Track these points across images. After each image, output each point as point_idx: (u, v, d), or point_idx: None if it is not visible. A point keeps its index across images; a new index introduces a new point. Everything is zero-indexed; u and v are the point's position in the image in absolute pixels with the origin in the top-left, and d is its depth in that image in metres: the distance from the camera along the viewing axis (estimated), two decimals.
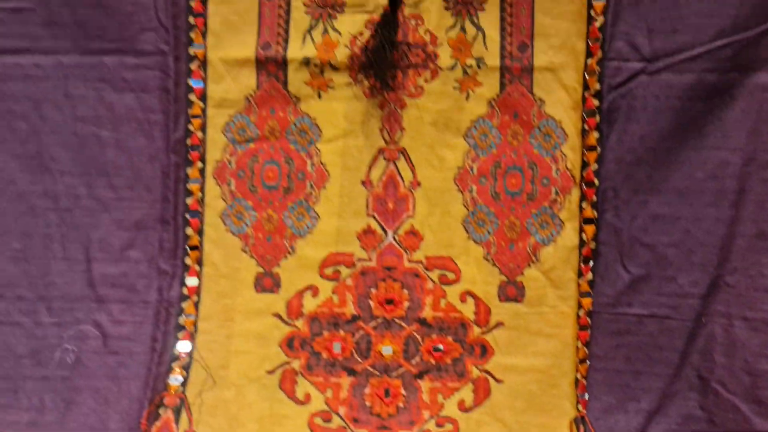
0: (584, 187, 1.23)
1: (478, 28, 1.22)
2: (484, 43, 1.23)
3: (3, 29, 1.20)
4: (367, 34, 1.22)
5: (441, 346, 1.26)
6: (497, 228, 1.25)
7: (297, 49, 1.23)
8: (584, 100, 1.21)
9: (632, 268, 1.22)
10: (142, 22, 1.21)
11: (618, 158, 1.21)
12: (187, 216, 1.26)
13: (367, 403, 1.23)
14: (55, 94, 1.22)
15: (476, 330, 1.26)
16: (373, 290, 1.27)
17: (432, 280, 1.26)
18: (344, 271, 1.27)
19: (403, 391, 1.24)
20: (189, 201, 1.26)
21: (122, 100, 1.22)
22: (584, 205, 1.23)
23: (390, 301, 1.26)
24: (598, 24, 1.19)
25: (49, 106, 1.22)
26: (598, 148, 1.21)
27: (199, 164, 1.26)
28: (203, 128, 1.25)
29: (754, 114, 1.16)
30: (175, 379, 1.22)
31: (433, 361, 1.25)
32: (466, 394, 1.24)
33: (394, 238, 1.27)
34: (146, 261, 1.25)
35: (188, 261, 1.26)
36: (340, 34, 1.23)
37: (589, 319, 1.23)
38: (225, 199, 1.27)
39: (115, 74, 1.22)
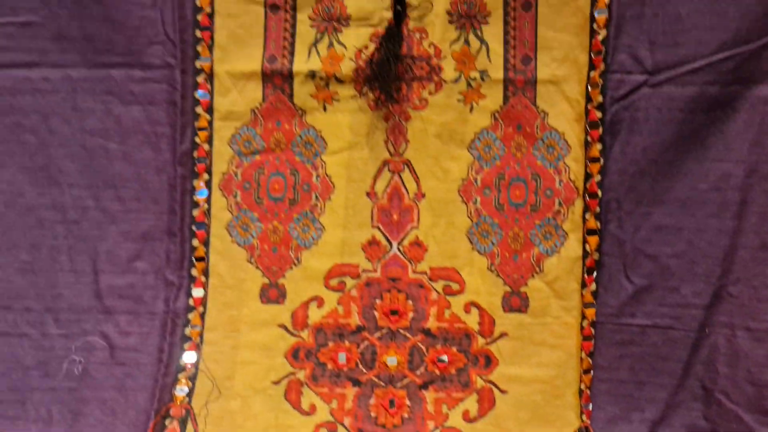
0: (587, 198, 1.23)
1: (482, 41, 1.23)
2: (488, 56, 1.24)
3: (12, 43, 1.21)
4: (371, 47, 1.23)
5: (445, 357, 1.26)
6: (501, 239, 1.26)
7: (302, 63, 1.24)
8: (587, 112, 1.22)
9: (635, 279, 1.22)
10: (149, 36, 1.21)
11: (621, 170, 1.21)
12: (194, 227, 1.27)
13: (372, 414, 1.24)
14: (63, 107, 1.23)
15: (480, 340, 1.26)
16: (378, 301, 1.27)
17: (436, 290, 1.27)
18: (349, 282, 1.28)
19: (407, 402, 1.25)
20: (195, 212, 1.27)
21: (130, 112, 1.23)
22: (587, 216, 1.24)
23: (395, 312, 1.27)
24: (600, 37, 1.19)
25: (57, 119, 1.23)
26: (601, 160, 1.22)
27: (206, 176, 1.27)
28: (210, 140, 1.26)
29: (756, 126, 1.16)
30: (181, 389, 1.23)
31: (437, 372, 1.26)
32: (471, 404, 1.24)
33: (399, 250, 1.27)
34: (153, 272, 1.25)
35: (194, 272, 1.27)
36: (345, 47, 1.24)
37: (592, 330, 1.23)
38: (231, 211, 1.28)
39: (123, 87, 1.23)
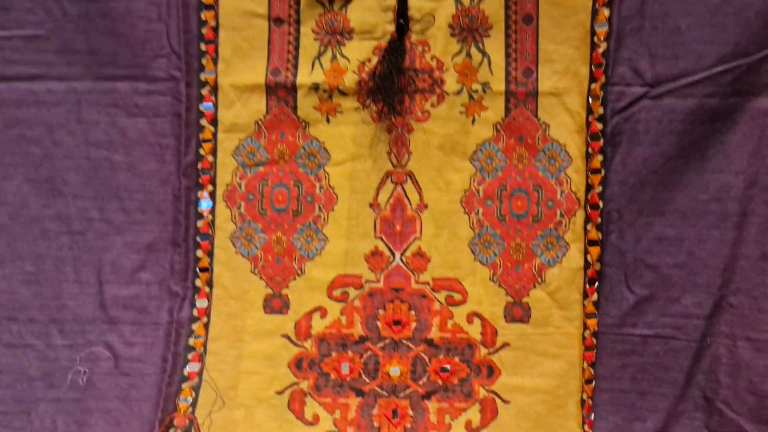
0: (589, 209, 1.24)
1: (484, 54, 1.24)
2: (490, 68, 1.24)
3: (18, 56, 1.22)
4: (374, 60, 1.24)
5: (448, 367, 1.26)
6: (503, 249, 1.27)
7: (306, 75, 1.25)
8: (588, 123, 1.23)
9: (637, 289, 1.23)
10: (154, 49, 1.22)
11: (622, 181, 1.22)
12: (198, 238, 1.27)
13: (375, 424, 1.24)
14: (68, 119, 1.24)
15: (483, 351, 1.27)
16: (381, 311, 1.28)
17: (439, 301, 1.28)
18: (352, 292, 1.28)
19: (410, 412, 1.25)
20: (200, 224, 1.27)
21: (134, 124, 1.24)
22: (589, 227, 1.24)
23: (397, 322, 1.28)
24: (601, 50, 1.20)
25: (62, 131, 1.24)
26: (602, 171, 1.22)
27: (210, 187, 1.28)
28: (214, 152, 1.27)
29: (755, 138, 1.17)
30: (185, 399, 1.23)
31: (440, 382, 1.26)
32: (473, 414, 1.25)
33: (402, 260, 1.28)
34: (157, 283, 1.26)
35: (198, 283, 1.27)
36: (348, 60, 1.25)
37: (594, 340, 1.23)
38: (235, 222, 1.28)
39: (128, 100, 1.24)
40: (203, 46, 1.25)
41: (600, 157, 1.22)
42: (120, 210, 1.25)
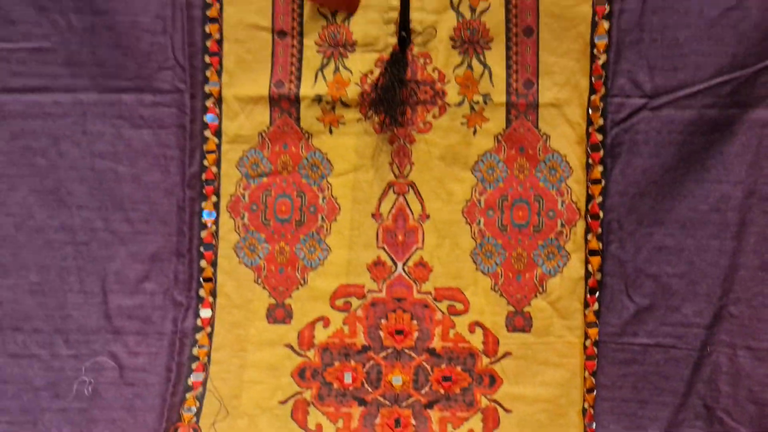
0: (589, 219, 1.25)
1: (485, 66, 1.25)
2: (491, 80, 1.25)
3: (24, 68, 1.23)
4: (377, 72, 1.25)
5: (450, 376, 1.27)
6: (505, 259, 1.27)
7: (309, 87, 1.26)
8: (588, 134, 1.23)
9: (637, 299, 1.23)
10: (159, 62, 1.23)
11: (622, 191, 1.22)
12: (202, 249, 1.28)
13: None
14: (73, 130, 1.24)
15: (485, 360, 1.27)
16: (383, 321, 1.28)
17: (441, 310, 1.28)
18: (355, 302, 1.29)
19: (413, 421, 1.25)
20: (203, 234, 1.28)
21: (139, 136, 1.25)
22: (589, 237, 1.25)
23: (400, 332, 1.28)
24: (600, 62, 1.21)
25: (67, 142, 1.25)
26: (603, 182, 1.23)
27: (214, 198, 1.28)
28: (218, 163, 1.28)
29: (753, 148, 1.18)
30: (189, 409, 1.24)
31: (442, 391, 1.27)
32: (476, 423, 1.25)
33: (404, 270, 1.29)
34: (161, 293, 1.27)
35: (202, 293, 1.28)
36: (351, 72, 1.26)
37: (595, 349, 1.24)
38: (238, 232, 1.29)
39: (133, 111, 1.24)
40: (207, 59, 1.26)
41: (600, 168, 1.23)
42: (124, 220, 1.26)
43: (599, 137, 1.23)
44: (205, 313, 1.28)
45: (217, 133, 1.28)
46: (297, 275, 1.29)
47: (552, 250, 1.26)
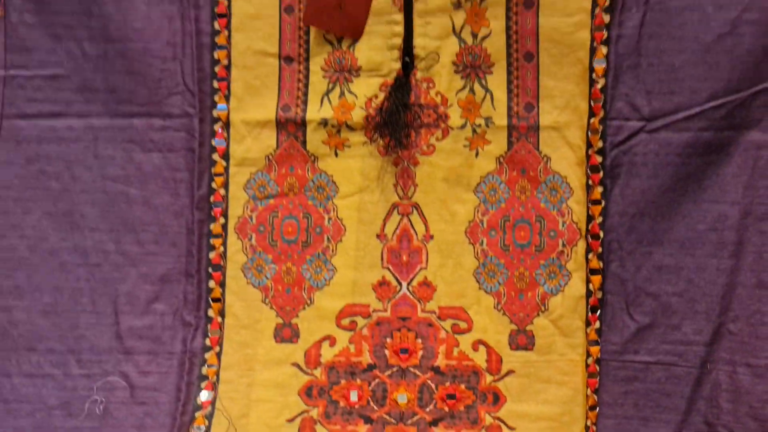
0: (590, 239, 1.26)
1: (487, 90, 1.27)
2: (492, 103, 1.27)
3: (39, 95, 1.26)
4: (381, 96, 1.27)
5: (454, 394, 1.28)
6: (507, 278, 1.29)
7: (315, 111, 1.28)
8: (588, 156, 1.25)
9: (638, 317, 1.24)
10: (169, 87, 1.26)
11: (621, 212, 1.24)
12: (210, 269, 1.30)
13: None
14: (86, 154, 1.27)
15: (488, 378, 1.28)
16: (389, 340, 1.30)
17: (445, 329, 1.30)
18: (360, 321, 1.30)
19: None
20: (212, 255, 1.30)
21: (150, 159, 1.27)
22: (590, 256, 1.26)
23: (404, 350, 1.30)
24: (599, 86, 1.23)
25: (80, 166, 1.27)
26: (603, 202, 1.25)
27: (222, 220, 1.30)
28: (226, 186, 1.30)
29: (749, 169, 1.19)
30: (198, 428, 1.25)
31: (446, 409, 1.28)
32: None
33: (408, 289, 1.30)
34: (171, 313, 1.28)
35: (211, 313, 1.30)
36: (356, 96, 1.28)
37: (597, 367, 1.25)
38: (246, 253, 1.31)
39: (144, 135, 1.27)
40: (216, 84, 1.28)
41: (600, 189, 1.25)
42: (135, 242, 1.28)
43: (599, 159, 1.24)
44: (214, 333, 1.30)
45: (225, 156, 1.30)
46: (303, 295, 1.31)
47: (554, 269, 1.28)
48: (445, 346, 1.29)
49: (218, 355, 1.29)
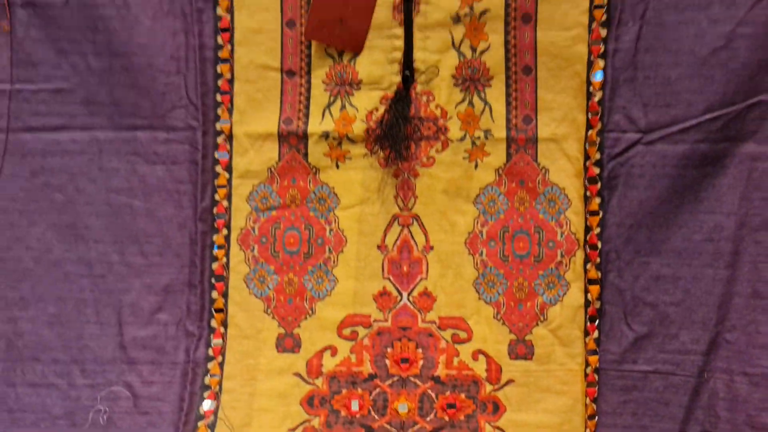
0: (588, 249, 1.27)
1: (485, 102, 1.28)
2: (491, 116, 1.28)
3: (44, 108, 1.27)
4: (381, 109, 1.29)
5: (454, 403, 1.29)
6: (506, 289, 1.30)
7: (317, 124, 1.30)
8: (586, 168, 1.26)
9: (636, 327, 1.25)
10: (173, 101, 1.27)
11: (619, 222, 1.25)
12: (213, 280, 1.31)
13: None
14: (90, 167, 1.29)
15: (488, 387, 1.29)
16: (389, 349, 1.31)
17: (445, 339, 1.31)
18: (361, 331, 1.31)
19: None
20: (215, 266, 1.31)
21: (153, 172, 1.29)
22: (588, 266, 1.27)
23: (405, 360, 1.31)
24: (596, 99, 1.24)
25: (84, 179, 1.29)
26: (600, 213, 1.26)
27: (225, 231, 1.32)
28: (229, 198, 1.31)
29: (744, 181, 1.21)
30: None
31: (447, 418, 1.29)
32: None
33: (409, 300, 1.31)
34: (174, 324, 1.30)
35: (214, 323, 1.31)
36: (356, 109, 1.29)
37: (596, 376, 1.26)
38: (249, 264, 1.32)
39: (148, 148, 1.28)
40: (219, 98, 1.30)
41: (598, 200, 1.26)
42: (139, 253, 1.29)
43: (596, 170, 1.26)
44: (217, 343, 1.31)
45: (228, 168, 1.31)
46: (305, 305, 1.32)
47: (552, 279, 1.29)
48: (445, 355, 1.30)
49: (221, 365, 1.30)
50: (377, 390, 1.30)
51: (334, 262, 1.32)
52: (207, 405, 1.28)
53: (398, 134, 1.26)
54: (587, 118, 1.26)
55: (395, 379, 1.30)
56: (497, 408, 1.29)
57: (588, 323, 1.27)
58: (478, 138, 1.29)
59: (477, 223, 1.30)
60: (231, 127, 1.30)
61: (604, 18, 1.23)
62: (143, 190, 1.29)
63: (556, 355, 1.28)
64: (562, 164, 1.28)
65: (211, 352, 1.30)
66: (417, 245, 1.31)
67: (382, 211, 1.31)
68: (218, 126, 1.30)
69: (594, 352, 1.26)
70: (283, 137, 1.30)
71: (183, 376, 1.28)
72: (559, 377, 1.28)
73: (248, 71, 1.30)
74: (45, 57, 1.27)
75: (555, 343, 1.28)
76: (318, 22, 1.27)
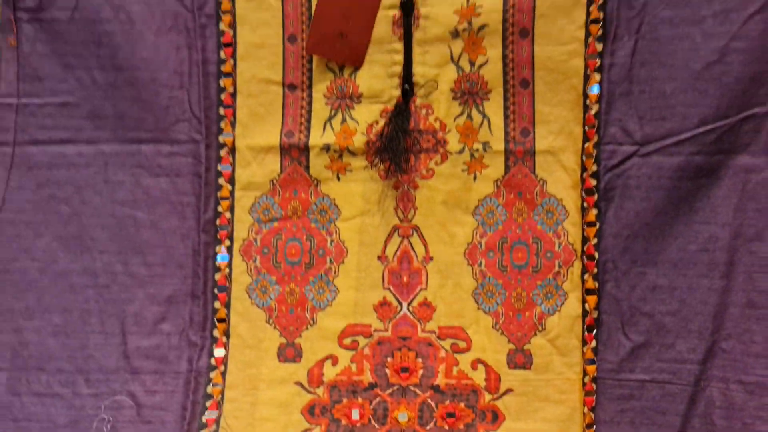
0: (585, 260, 1.28)
1: (484, 116, 1.30)
2: (490, 129, 1.30)
3: (50, 122, 1.29)
4: (382, 122, 1.30)
5: (454, 412, 1.30)
6: (505, 299, 1.31)
7: (318, 137, 1.31)
8: (583, 180, 1.28)
9: (633, 336, 1.26)
10: (177, 114, 1.29)
11: (615, 233, 1.26)
12: (216, 291, 1.33)
13: None
14: (95, 179, 1.30)
15: (487, 396, 1.30)
16: (389, 359, 1.32)
17: (444, 348, 1.32)
18: (362, 341, 1.32)
19: None
20: (217, 276, 1.33)
21: (157, 184, 1.30)
22: (586, 276, 1.28)
23: (405, 369, 1.32)
24: (593, 112, 1.26)
25: (90, 191, 1.30)
26: (597, 224, 1.27)
27: (227, 242, 1.33)
28: (231, 209, 1.33)
29: (738, 192, 1.22)
30: None
31: (446, 427, 1.30)
32: None
33: (409, 310, 1.32)
34: (177, 333, 1.31)
35: (216, 333, 1.32)
36: (357, 122, 1.31)
37: (594, 385, 1.27)
38: (251, 275, 1.34)
39: (152, 161, 1.30)
40: (222, 111, 1.31)
41: (594, 211, 1.27)
42: (143, 264, 1.31)
43: (593, 182, 1.27)
44: (219, 352, 1.32)
45: (231, 180, 1.33)
46: (306, 315, 1.33)
47: (550, 289, 1.30)
48: (444, 365, 1.31)
49: (223, 374, 1.31)
50: (377, 399, 1.31)
51: (335, 272, 1.33)
52: (209, 414, 1.29)
53: (398, 147, 1.28)
54: (584, 131, 1.27)
55: (395, 388, 1.31)
56: (496, 417, 1.29)
57: (585, 333, 1.28)
58: (477, 150, 1.31)
59: (476, 234, 1.32)
60: (234, 140, 1.32)
61: (600, 33, 1.24)
62: (147, 202, 1.30)
63: (554, 365, 1.29)
64: (560, 176, 1.29)
65: (213, 361, 1.32)
66: (417, 256, 1.33)
67: (383, 222, 1.33)
68: (221, 139, 1.32)
69: (592, 362, 1.27)
70: (284, 150, 1.32)
71: (186, 386, 1.29)
72: (558, 386, 1.28)
73: (250, 85, 1.31)
74: (51, 72, 1.29)
75: (553, 353, 1.29)
76: (319, 37, 1.29)
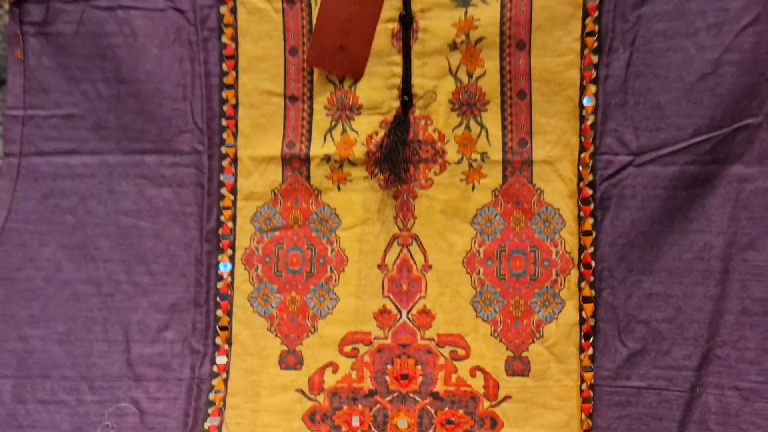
0: (582, 268, 1.29)
1: (482, 126, 1.31)
2: (488, 139, 1.31)
3: (55, 133, 1.31)
4: (381, 133, 1.32)
5: (453, 419, 1.31)
6: (503, 307, 1.32)
7: (318, 147, 1.33)
8: (579, 189, 1.29)
9: (630, 343, 1.27)
10: (179, 126, 1.31)
11: (612, 242, 1.27)
12: (218, 299, 1.34)
13: None
14: (99, 190, 1.31)
15: (486, 403, 1.31)
16: (389, 366, 1.33)
17: (443, 356, 1.33)
18: (362, 348, 1.34)
19: None
20: (220, 285, 1.34)
21: (161, 194, 1.32)
22: (583, 285, 1.29)
23: (405, 377, 1.33)
24: (589, 122, 1.27)
25: (94, 201, 1.31)
26: (594, 233, 1.28)
27: (230, 251, 1.34)
28: (233, 219, 1.34)
29: (732, 201, 1.23)
30: None
31: None
32: None
33: (408, 318, 1.34)
34: (180, 341, 1.32)
35: (218, 341, 1.33)
36: (357, 133, 1.33)
37: (591, 392, 1.28)
38: (252, 283, 1.35)
39: (155, 171, 1.31)
40: (224, 122, 1.33)
41: (591, 220, 1.28)
42: (146, 273, 1.32)
43: (589, 192, 1.28)
44: (221, 360, 1.33)
45: (233, 190, 1.35)
46: (307, 323, 1.34)
47: (548, 297, 1.31)
48: (443, 372, 1.32)
49: (225, 381, 1.32)
50: (377, 406, 1.32)
51: (335, 281, 1.34)
52: (211, 421, 1.30)
53: (397, 157, 1.29)
54: (580, 141, 1.28)
55: (395, 395, 1.32)
56: (495, 423, 1.30)
57: (583, 340, 1.29)
58: (475, 160, 1.32)
59: (474, 243, 1.33)
60: (236, 151, 1.34)
61: (595, 45, 1.26)
62: (151, 211, 1.32)
63: (551, 372, 1.30)
64: (557, 186, 1.31)
65: (215, 369, 1.33)
66: (416, 264, 1.34)
67: (382, 231, 1.34)
68: (223, 150, 1.34)
69: (589, 369, 1.28)
70: (286, 160, 1.33)
71: (188, 393, 1.30)
72: (555, 393, 1.30)
73: (252, 97, 1.33)
74: (56, 84, 1.31)
75: (551, 360, 1.30)
76: (320, 49, 1.30)
